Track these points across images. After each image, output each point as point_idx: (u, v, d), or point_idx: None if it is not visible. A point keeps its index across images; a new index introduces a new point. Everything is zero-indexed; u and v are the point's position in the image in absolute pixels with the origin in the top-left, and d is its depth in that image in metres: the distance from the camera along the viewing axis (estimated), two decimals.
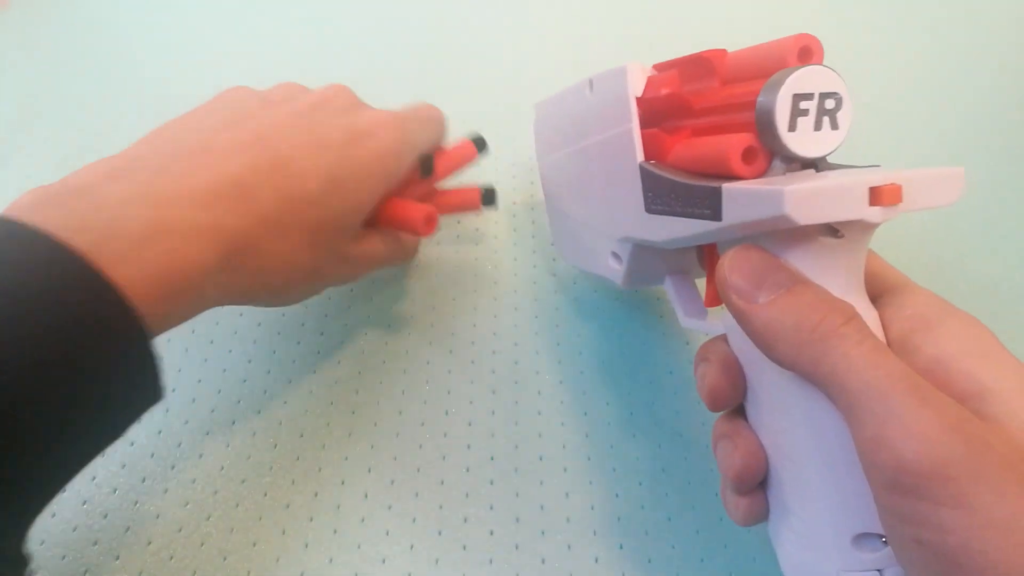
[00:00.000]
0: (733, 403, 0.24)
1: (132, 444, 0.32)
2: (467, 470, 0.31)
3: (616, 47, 0.51)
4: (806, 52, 0.21)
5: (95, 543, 0.29)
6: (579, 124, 0.31)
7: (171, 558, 0.28)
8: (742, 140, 0.21)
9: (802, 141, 0.20)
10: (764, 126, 0.20)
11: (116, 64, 0.50)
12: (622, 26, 0.53)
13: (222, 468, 0.31)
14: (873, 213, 0.18)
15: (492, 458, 0.32)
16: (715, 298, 0.24)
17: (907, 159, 0.46)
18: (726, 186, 0.21)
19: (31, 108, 0.47)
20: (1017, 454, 0.16)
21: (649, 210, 0.25)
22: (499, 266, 0.39)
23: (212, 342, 0.35)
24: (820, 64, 0.20)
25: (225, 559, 0.29)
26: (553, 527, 0.30)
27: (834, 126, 0.20)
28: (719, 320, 0.24)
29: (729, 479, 0.23)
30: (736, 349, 0.23)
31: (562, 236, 0.36)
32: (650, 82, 0.26)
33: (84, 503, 0.30)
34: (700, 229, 0.22)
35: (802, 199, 0.18)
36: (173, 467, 0.31)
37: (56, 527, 0.29)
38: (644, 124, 0.26)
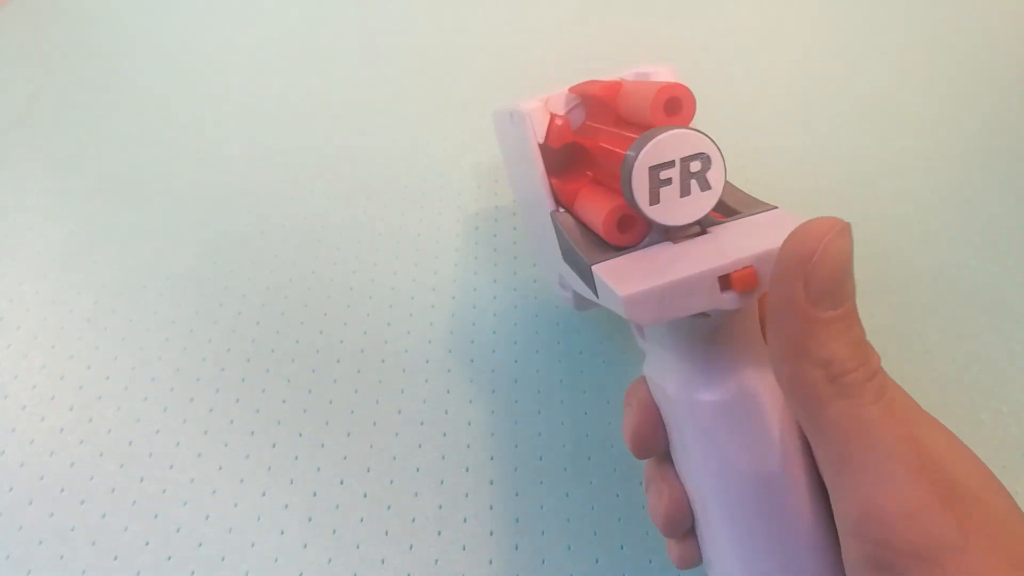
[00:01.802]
0: (657, 450, 0.23)
1: (130, 444, 0.31)
2: (467, 470, 0.31)
3: (599, 48, 0.51)
4: (673, 105, 0.20)
5: (93, 543, 0.29)
6: (512, 151, 0.30)
7: (169, 558, 0.28)
8: (615, 210, 0.20)
9: (668, 212, 0.19)
10: (628, 199, 0.19)
11: (115, 62, 0.50)
12: (607, 29, 0.53)
13: (220, 467, 0.31)
14: (728, 300, 0.18)
15: (492, 458, 0.32)
16: None
17: (907, 154, 0.45)
18: (595, 268, 0.20)
19: (30, 106, 0.47)
20: (1006, 532, 0.15)
21: (564, 259, 0.25)
22: (499, 264, 0.39)
23: (210, 341, 0.35)
24: (683, 125, 0.19)
25: (223, 559, 0.28)
26: (553, 527, 0.30)
27: (704, 187, 0.19)
28: None
29: (658, 526, 0.22)
30: (655, 396, 0.22)
31: (532, 246, 0.36)
32: (551, 124, 0.25)
33: (82, 502, 0.30)
34: (595, 297, 0.22)
35: (640, 302, 0.17)
36: (171, 467, 0.31)
37: (54, 527, 0.29)
38: (553, 169, 0.25)
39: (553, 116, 0.25)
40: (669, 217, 0.19)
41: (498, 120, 0.33)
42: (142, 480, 0.30)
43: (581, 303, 0.30)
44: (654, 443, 0.22)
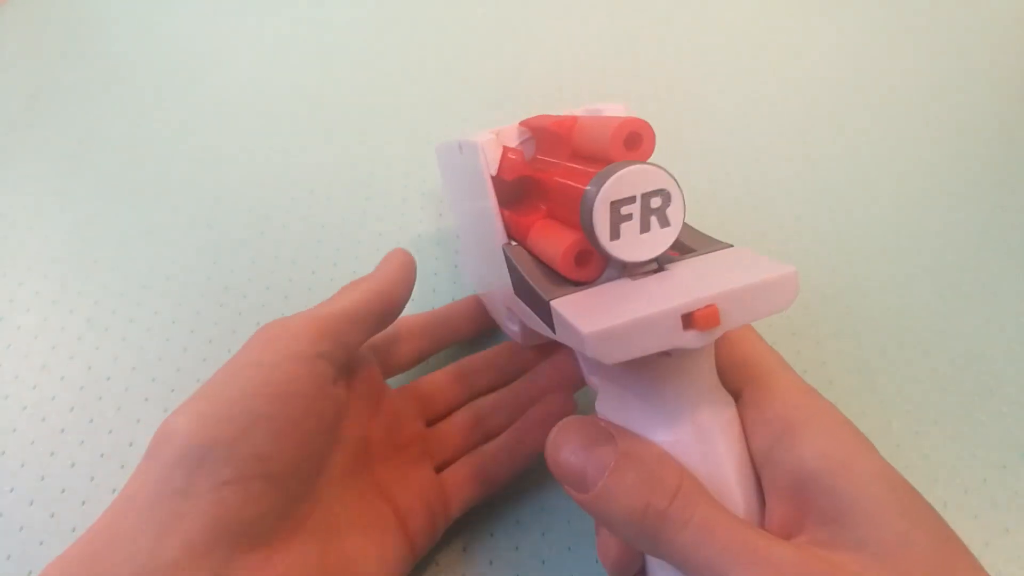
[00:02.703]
0: None
1: (131, 445, 0.31)
2: None
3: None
4: (633, 140, 0.20)
5: None
6: (460, 183, 0.30)
7: None
8: (573, 245, 0.20)
9: (628, 248, 0.19)
10: (588, 234, 0.19)
11: (115, 62, 0.50)
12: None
13: None
14: (690, 339, 0.17)
15: None
16: None
17: (906, 154, 0.45)
18: (554, 304, 0.20)
19: (30, 106, 0.47)
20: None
21: (516, 293, 0.24)
22: None
23: (211, 341, 0.35)
24: (641, 161, 0.19)
25: None
26: (554, 529, 0.30)
27: (664, 223, 0.19)
28: None
29: (606, 568, 0.22)
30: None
31: (472, 279, 0.35)
32: (504, 157, 0.25)
33: (83, 503, 0.30)
34: (549, 332, 0.21)
35: (604, 340, 0.17)
36: None
37: (54, 528, 0.29)
38: (504, 202, 0.25)
39: (506, 149, 0.25)
40: (629, 253, 0.19)
41: (443, 152, 0.32)
42: None
43: (529, 337, 0.30)
44: None
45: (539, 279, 0.22)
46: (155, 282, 0.37)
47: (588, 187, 0.19)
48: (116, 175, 0.43)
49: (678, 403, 0.19)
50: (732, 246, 0.21)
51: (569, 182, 0.22)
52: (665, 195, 0.19)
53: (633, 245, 0.19)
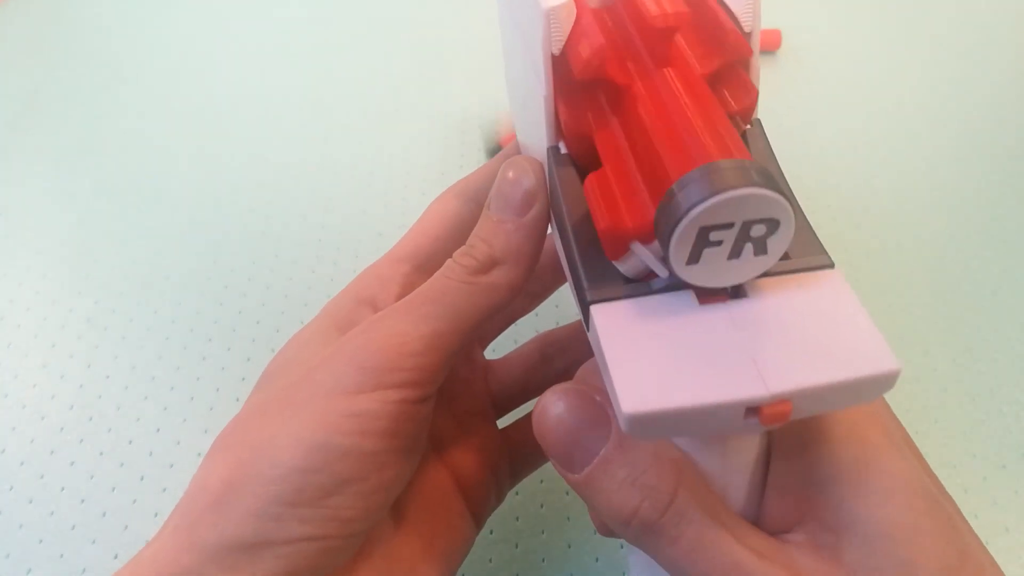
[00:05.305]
0: None
1: (130, 443, 0.31)
2: None
3: None
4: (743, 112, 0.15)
5: (93, 541, 0.29)
6: (510, 24, 0.24)
7: None
8: (629, 231, 0.16)
9: (705, 274, 0.15)
10: (661, 243, 0.15)
11: (115, 62, 0.50)
12: None
13: None
14: (748, 426, 0.15)
15: None
16: None
17: (907, 154, 0.45)
18: (595, 312, 0.16)
19: (30, 106, 0.47)
20: None
21: (552, 210, 0.20)
22: None
23: (211, 340, 0.35)
24: (750, 185, 0.13)
25: None
26: (553, 526, 0.30)
27: (759, 252, 0.15)
28: None
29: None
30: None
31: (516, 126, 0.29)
32: (577, 29, 0.17)
33: (82, 501, 0.30)
34: (570, 284, 0.18)
35: (647, 422, 0.14)
36: (172, 465, 0.31)
37: (54, 525, 0.29)
38: (561, 89, 0.18)
39: (581, 30, 0.17)
40: (705, 279, 0.15)
41: None
42: (142, 479, 0.30)
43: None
44: None
45: (583, 245, 0.17)
46: (155, 281, 0.37)
47: (675, 190, 0.14)
48: (116, 175, 0.43)
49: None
50: (830, 263, 0.17)
51: (658, 134, 0.16)
52: (772, 224, 0.14)
53: (713, 271, 0.15)
